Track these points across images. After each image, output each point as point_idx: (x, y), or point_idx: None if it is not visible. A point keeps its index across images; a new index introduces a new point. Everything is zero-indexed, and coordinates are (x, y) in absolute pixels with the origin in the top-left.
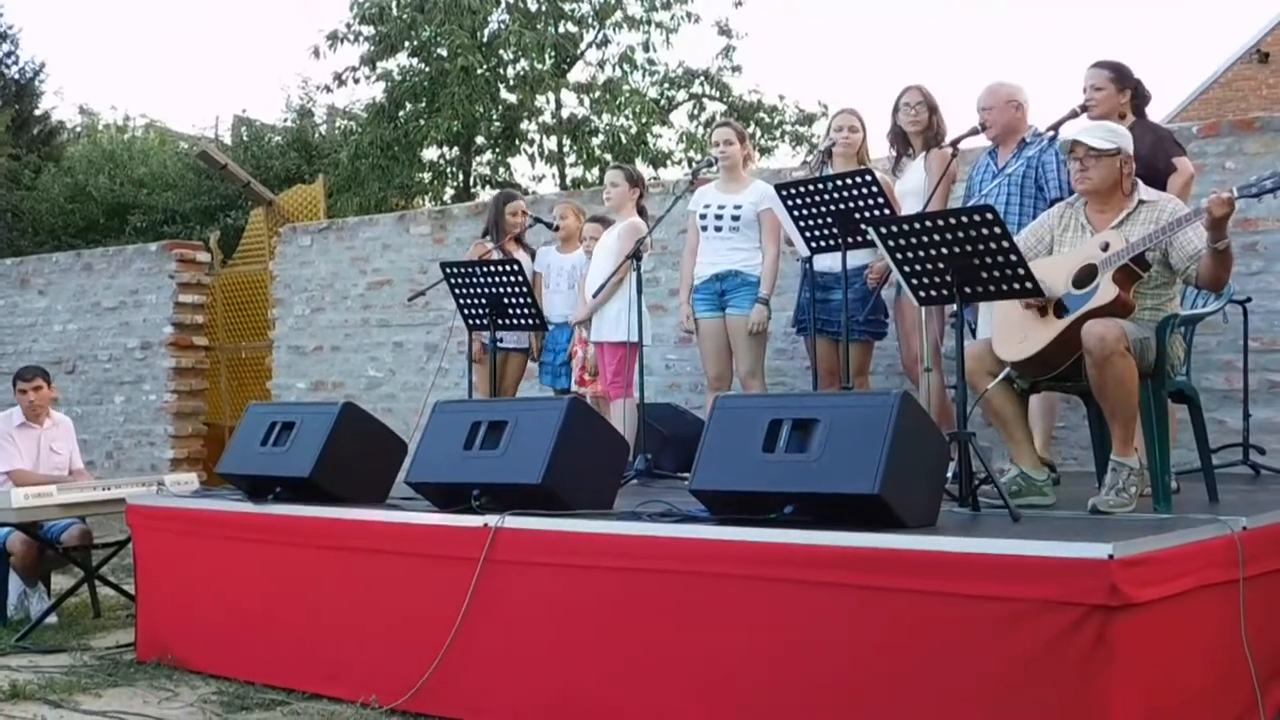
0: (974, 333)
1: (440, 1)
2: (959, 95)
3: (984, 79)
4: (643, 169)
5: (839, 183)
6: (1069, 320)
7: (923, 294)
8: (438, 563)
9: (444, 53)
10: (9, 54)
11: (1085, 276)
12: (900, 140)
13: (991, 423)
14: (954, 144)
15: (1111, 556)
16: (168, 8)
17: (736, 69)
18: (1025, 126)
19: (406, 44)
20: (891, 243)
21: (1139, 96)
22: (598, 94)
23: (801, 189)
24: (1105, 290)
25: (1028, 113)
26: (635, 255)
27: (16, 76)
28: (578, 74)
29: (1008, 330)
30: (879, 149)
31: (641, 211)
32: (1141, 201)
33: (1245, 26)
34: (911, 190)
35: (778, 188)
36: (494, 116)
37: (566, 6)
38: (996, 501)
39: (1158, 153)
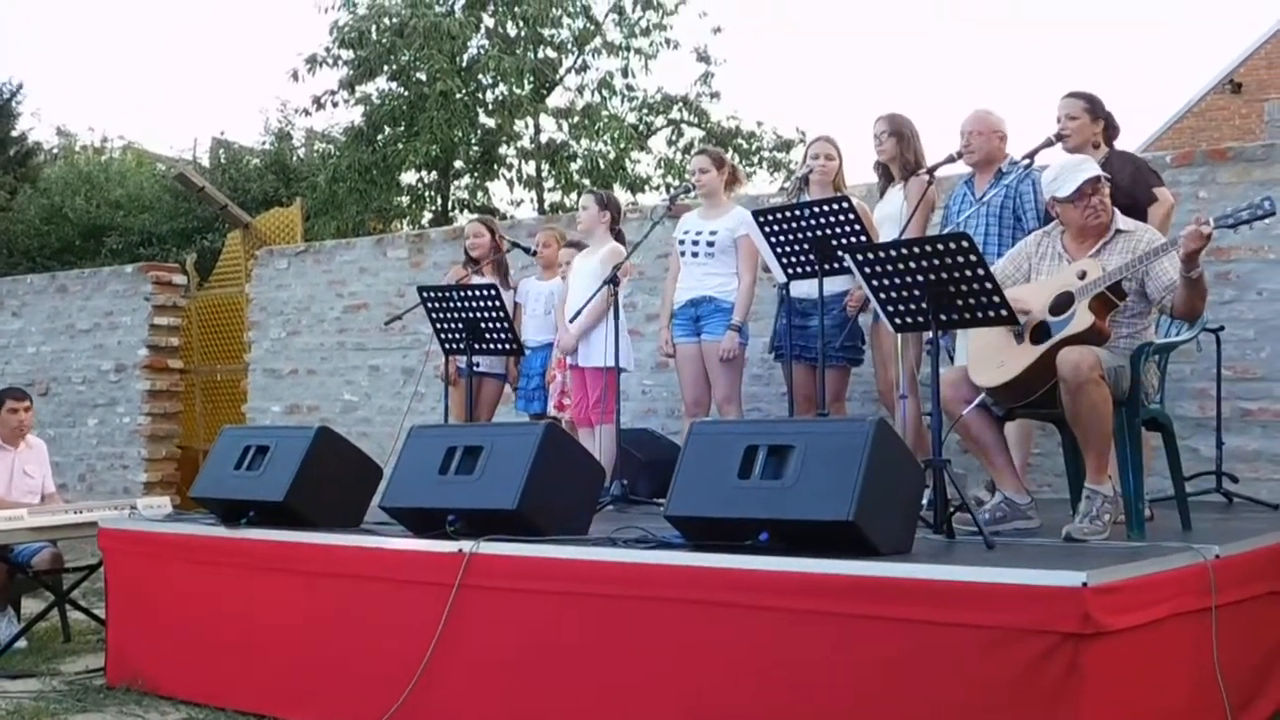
0: (951, 360)
1: (420, 26)
2: (937, 123)
3: (961, 107)
4: (621, 194)
5: (816, 209)
6: (1045, 346)
7: (899, 321)
8: (412, 588)
9: (423, 77)
10: None
11: (1062, 304)
12: (884, 169)
13: (971, 450)
14: (930, 171)
15: (1085, 584)
16: (147, 30)
17: (715, 95)
18: (1003, 157)
19: (385, 68)
20: (868, 269)
21: (1111, 127)
22: (576, 119)
23: (778, 215)
24: (1081, 317)
25: (1006, 145)
26: (613, 280)
27: None
28: (556, 99)
29: (984, 356)
30: (856, 176)
31: (619, 237)
32: (1119, 231)
33: (1219, 57)
34: (889, 216)
35: (754, 214)
36: (472, 141)
37: (546, 32)
38: (971, 528)
39: (1138, 182)
